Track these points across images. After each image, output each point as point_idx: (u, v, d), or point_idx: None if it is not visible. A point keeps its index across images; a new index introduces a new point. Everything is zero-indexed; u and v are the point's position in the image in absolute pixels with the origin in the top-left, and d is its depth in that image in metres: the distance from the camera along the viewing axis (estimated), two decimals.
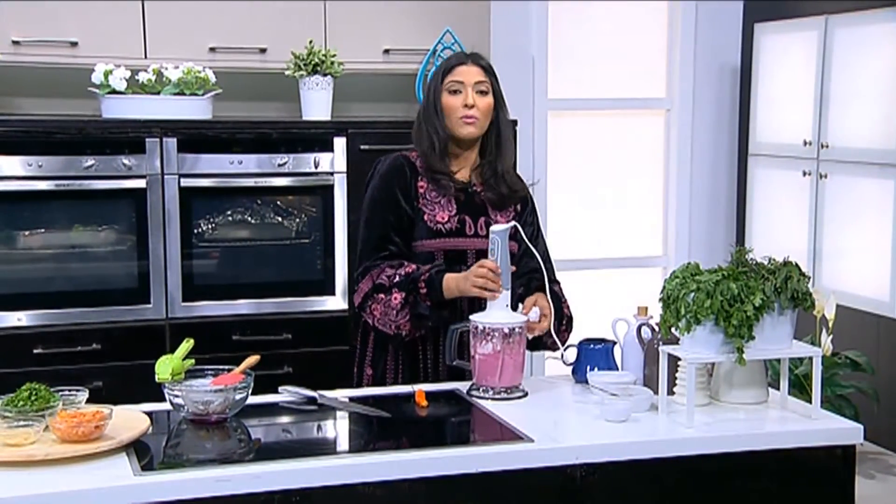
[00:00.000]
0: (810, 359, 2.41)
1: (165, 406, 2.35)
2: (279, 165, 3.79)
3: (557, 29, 4.84)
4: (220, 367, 2.43)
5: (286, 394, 2.51)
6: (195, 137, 3.73)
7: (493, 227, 2.55)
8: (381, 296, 2.61)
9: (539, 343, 2.66)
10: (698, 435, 2.25)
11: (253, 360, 2.46)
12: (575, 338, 2.67)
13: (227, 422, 2.30)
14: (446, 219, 2.70)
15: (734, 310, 2.24)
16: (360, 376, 2.78)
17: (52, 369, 3.45)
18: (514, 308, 2.56)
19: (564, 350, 2.66)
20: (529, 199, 2.84)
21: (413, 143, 2.78)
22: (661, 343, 2.39)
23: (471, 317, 2.53)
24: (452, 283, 2.57)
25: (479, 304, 2.60)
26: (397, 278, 2.60)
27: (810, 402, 2.40)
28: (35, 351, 3.57)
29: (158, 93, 3.76)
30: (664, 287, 2.36)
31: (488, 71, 2.75)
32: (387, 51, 4.08)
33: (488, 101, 2.72)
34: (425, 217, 2.69)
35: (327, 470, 2.05)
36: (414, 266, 2.62)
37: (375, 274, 2.63)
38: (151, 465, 2.05)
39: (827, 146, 4.42)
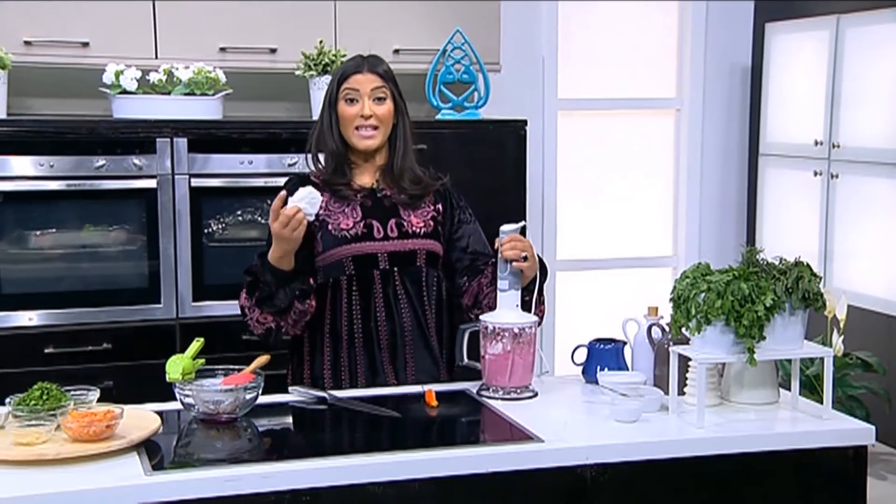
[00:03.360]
0: (821, 359, 2.40)
1: (176, 406, 2.36)
2: (289, 165, 3.79)
3: (567, 29, 4.84)
4: (231, 366, 2.44)
5: (296, 394, 2.52)
6: (205, 137, 3.74)
7: (503, 227, 2.54)
8: (242, 295, 2.60)
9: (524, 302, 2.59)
10: (709, 435, 2.24)
11: (263, 359, 2.46)
12: (585, 338, 2.67)
13: (237, 421, 2.31)
14: (351, 225, 2.63)
15: (745, 310, 2.24)
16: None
17: (63, 369, 3.46)
18: (527, 305, 2.55)
19: (574, 351, 2.66)
20: (448, 193, 2.76)
21: (307, 150, 2.72)
22: (671, 343, 2.39)
23: (481, 317, 2.53)
24: (274, 248, 2.51)
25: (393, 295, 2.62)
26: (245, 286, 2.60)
27: (821, 402, 2.39)
28: (46, 350, 3.58)
29: (169, 93, 3.77)
30: (675, 287, 2.35)
31: (386, 77, 2.67)
32: (397, 51, 4.08)
33: (387, 107, 2.65)
34: (329, 227, 2.63)
35: (337, 470, 2.05)
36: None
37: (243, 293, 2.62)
38: (162, 465, 2.06)
39: (838, 146, 4.40)
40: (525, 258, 2.51)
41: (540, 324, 2.59)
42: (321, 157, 2.71)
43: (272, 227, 2.47)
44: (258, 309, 2.57)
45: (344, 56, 3.92)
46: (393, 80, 2.69)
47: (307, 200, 2.48)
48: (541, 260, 2.61)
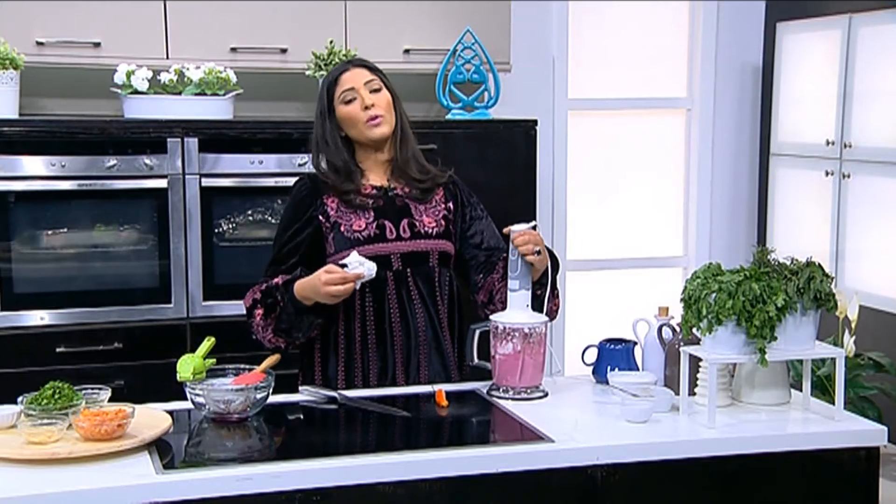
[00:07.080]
0: (833, 360, 2.39)
1: (187, 405, 2.36)
2: (299, 165, 3.80)
3: (578, 28, 4.83)
4: (241, 366, 2.44)
5: (306, 393, 2.52)
6: (216, 137, 3.74)
7: (513, 227, 2.54)
8: (256, 311, 2.59)
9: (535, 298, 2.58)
10: (720, 436, 2.24)
11: (274, 359, 2.47)
12: (595, 338, 2.67)
13: (247, 421, 2.31)
14: (363, 226, 2.63)
15: (756, 310, 2.23)
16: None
17: (74, 368, 3.48)
18: (538, 305, 2.55)
19: (584, 351, 2.65)
20: (458, 190, 2.77)
21: (312, 158, 2.72)
22: (682, 343, 2.39)
23: (491, 317, 2.53)
24: (307, 289, 2.51)
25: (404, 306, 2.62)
26: (259, 294, 2.59)
27: (833, 403, 2.38)
28: (57, 350, 3.59)
29: (180, 93, 3.78)
30: (685, 287, 2.35)
31: (374, 69, 2.69)
32: (407, 51, 4.08)
33: (385, 96, 2.66)
34: (342, 228, 2.63)
35: (347, 470, 2.05)
36: (279, 278, 2.58)
37: (254, 290, 2.61)
38: (173, 464, 2.06)
39: (850, 146, 4.39)
40: (538, 252, 2.51)
41: (555, 318, 2.59)
42: (324, 164, 2.71)
43: (329, 288, 2.45)
44: (272, 332, 2.59)
45: (354, 56, 3.92)
46: (381, 72, 2.71)
47: (366, 279, 2.50)
48: (552, 254, 2.61)
